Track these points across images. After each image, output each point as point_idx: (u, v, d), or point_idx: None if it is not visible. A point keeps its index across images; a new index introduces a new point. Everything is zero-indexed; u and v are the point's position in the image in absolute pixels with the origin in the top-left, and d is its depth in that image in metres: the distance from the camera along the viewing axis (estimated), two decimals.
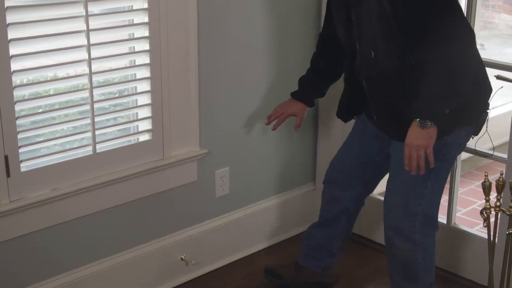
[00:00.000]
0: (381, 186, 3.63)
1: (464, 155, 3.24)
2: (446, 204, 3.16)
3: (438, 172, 2.55)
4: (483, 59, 2.82)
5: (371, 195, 3.33)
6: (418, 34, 2.37)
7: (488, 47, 7.69)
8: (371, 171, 2.90)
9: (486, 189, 2.47)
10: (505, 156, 2.90)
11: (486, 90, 2.58)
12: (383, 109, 2.65)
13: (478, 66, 2.50)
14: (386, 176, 2.79)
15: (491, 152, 3.06)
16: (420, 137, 2.38)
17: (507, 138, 2.89)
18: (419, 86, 2.38)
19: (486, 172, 2.49)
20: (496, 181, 2.46)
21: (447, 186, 3.03)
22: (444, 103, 2.37)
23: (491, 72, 2.81)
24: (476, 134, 2.66)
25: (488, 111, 2.63)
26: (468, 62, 2.41)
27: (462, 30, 2.38)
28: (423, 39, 2.36)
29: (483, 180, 2.49)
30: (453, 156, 2.62)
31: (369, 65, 2.56)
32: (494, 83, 2.69)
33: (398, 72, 2.48)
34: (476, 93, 2.51)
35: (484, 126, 2.69)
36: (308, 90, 2.99)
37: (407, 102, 2.45)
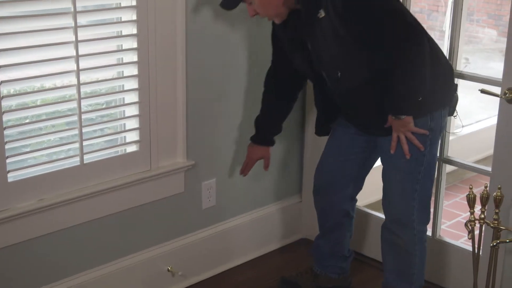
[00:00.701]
0: (369, 198, 3.66)
1: (449, 168, 3.26)
2: (432, 216, 3.18)
3: (429, 156, 2.69)
4: (468, 73, 2.87)
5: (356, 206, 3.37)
6: (376, 45, 2.49)
7: (473, 61, 7.76)
8: (357, 168, 2.96)
9: (471, 201, 2.49)
10: (489, 169, 2.92)
11: (449, 68, 2.74)
12: (362, 116, 2.76)
13: (436, 53, 2.63)
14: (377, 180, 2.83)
15: (473, 165, 3.06)
16: (400, 125, 2.59)
17: (491, 152, 2.91)
18: (388, 86, 2.53)
19: (470, 185, 2.52)
20: (480, 194, 2.49)
21: (432, 198, 3.07)
22: (414, 96, 2.54)
23: (475, 86, 2.85)
24: (452, 114, 2.79)
25: (457, 93, 2.80)
26: (425, 53, 2.51)
27: (412, 28, 2.50)
28: (382, 48, 2.48)
29: (467, 193, 2.51)
30: (438, 139, 2.76)
31: (338, 84, 2.67)
32: (479, 97, 2.74)
33: (367, 83, 2.60)
34: (442, 73, 2.66)
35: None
36: (266, 132, 3.08)
37: (382, 105, 2.59)
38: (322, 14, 2.52)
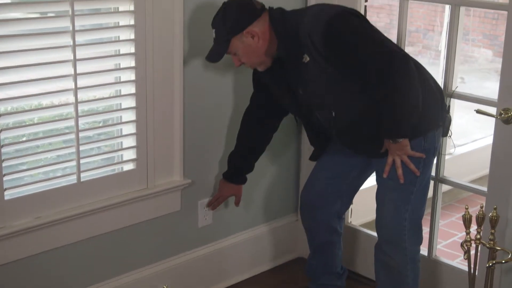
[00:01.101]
0: (364, 217, 3.66)
1: (445, 187, 3.27)
2: (427, 236, 3.19)
3: (421, 178, 2.71)
4: (463, 94, 2.88)
5: (346, 224, 3.37)
6: (364, 78, 2.53)
7: (468, 80, 7.79)
8: (346, 186, 2.97)
9: (467, 222, 2.49)
10: (485, 189, 2.93)
11: (438, 89, 2.76)
12: (358, 144, 2.77)
13: (423, 75, 2.68)
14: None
15: (469, 185, 3.14)
16: (396, 149, 2.61)
17: (487, 171, 2.92)
18: (382, 112, 2.56)
19: (466, 205, 2.52)
20: (476, 214, 2.49)
21: (427, 218, 3.08)
22: (407, 120, 2.56)
23: (471, 106, 2.87)
24: (446, 135, 2.83)
25: (449, 114, 2.84)
26: (413, 74, 2.55)
27: (395, 54, 2.54)
28: (370, 80, 2.51)
29: (463, 213, 2.52)
30: (431, 161, 2.78)
31: (333, 122, 2.70)
32: (475, 116, 2.76)
33: (361, 114, 2.63)
34: (432, 94, 2.68)
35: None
36: (239, 170, 3.10)
37: (378, 132, 2.62)
38: (306, 58, 2.58)
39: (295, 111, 2.90)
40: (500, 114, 2.73)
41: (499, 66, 2.80)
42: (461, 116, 5.24)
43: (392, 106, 2.53)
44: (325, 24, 2.51)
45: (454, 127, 2.85)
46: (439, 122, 2.72)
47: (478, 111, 2.78)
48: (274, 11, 2.67)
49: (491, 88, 6.65)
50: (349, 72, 2.55)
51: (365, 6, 3.28)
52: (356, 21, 2.59)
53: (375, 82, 2.51)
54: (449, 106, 2.83)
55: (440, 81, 2.95)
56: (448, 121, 2.80)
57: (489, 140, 4.97)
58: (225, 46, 2.63)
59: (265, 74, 2.79)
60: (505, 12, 2.69)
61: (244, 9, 2.63)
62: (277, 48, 2.64)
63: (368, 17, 3.40)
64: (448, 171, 3.16)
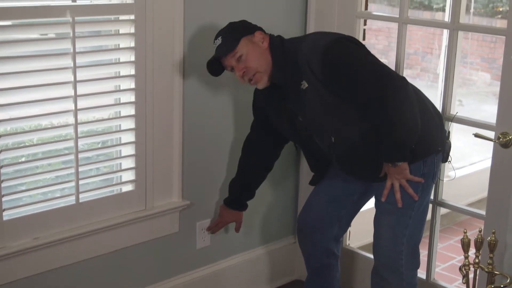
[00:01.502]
0: (362, 240, 3.65)
1: (443, 210, 3.27)
2: (426, 259, 3.18)
3: (420, 203, 2.71)
4: (461, 117, 2.89)
5: (345, 247, 3.38)
6: (363, 102, 2.55)
7: (466, 103, 7.82)
8: (345, 210, 2.97)
9: (465, 246, 2.49)
10: (483, 212, 2.93)
11: (437, 113, 2.78)
12: (358, 168, 2.77)
13: (422, 99, 2.70)
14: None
15: (467, 208, 3.13)
16: (396, 172, 2.62)
17: (485, 194, 2.92)
18: (382, 135, 2.57)
19: (465, 229, 2.52)
20: (474, 238, 2.49)
21: (426, 241, 3.08)
22: (406, 143, 2.56)
23: (470, 129, 2.87)
24: (445, 161, 2.82)
25: (449, 139, 2.84)
26: (412, 96, 2.57)
27: (393, 75, 2.57)
28: (370, 103, 2.53)
29: (462, 236, 2.51)
30: (430, 186, 2.78)
31: (333, 148, 2.71)
32: (473, 139, 2.76)
33: (361, 139, 2.64)
34: (431, 118, 2.70)
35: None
36: (240, 197, 3.10)
37: (377, 156, 2.62)
38: (305, 85, 2.59)
39: (294, 138, 2.91)
40: (498, 138, 2.73)
41: (497, 89, 2.80)
42: (459, 138, 5.24)
43: (392, 129, 2.54)
44: (323, 51, 2.53)
45: (452, 150, 2.85)
46: (439, 147, 2.72)
47: (476, 135, 2.79)
48: (274, 37, 2.69)
49: (489, 111, 6.68)
50: (348, 98, 2.56)
51: (364, 30, 3.30)
52: (354, 47, 2.62)
53: (374, 106, 2.52)
54: (449, 131, 2.84)
55: (438, 104, 2.96)
56: (448, 146, 2.80)
57: (488, 163, 4.98)
58: (234, 45, 2.60)
59: (264, 101, 2.81)
60: (503, 36, 2.71)
61: (250, 23, 2.70)
62: (273, 74, 2.65)
63: (366, 40, 3.43)
64: (447, 194, 3.16)
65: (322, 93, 2.57)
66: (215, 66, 2.69)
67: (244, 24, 2.69)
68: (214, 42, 2.66)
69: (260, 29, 2.70)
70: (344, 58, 2.55)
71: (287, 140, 3.01)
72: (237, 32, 2.64)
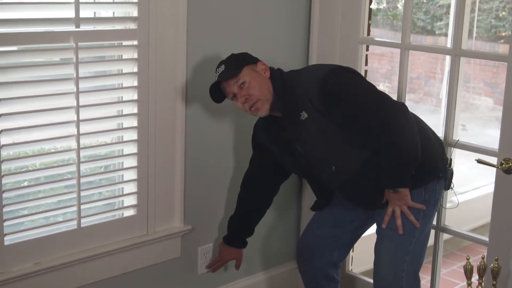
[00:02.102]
0: (364, 265, 3.63)
1: (446, 235, 3.26)
2: (429, 285, 3.16)
3: (421, 229, 2.70)
4: (463, 142, 2.88)
5: (346, 272, 3.36)
6: (363, 131, 2.56)
7: (470, 128, 7.82)
8: (345, 236, 2.96)
9: (468, 272, 2.47)
10: (486, 239, 2.91)
11: (438, 140, 2.79)
12: (360, 196, 2.78)
13: (422, 126, 2.71)
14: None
15: (470, 234, 3.12)
16: (397, 199, 2.62)
17: (488, 219, 2.91)
18: (381, 163, 2.58)
19: (467, 256, 2.50)
20: (477, 265, 2.48)
21: (429, 266, 3.06)
22: (407, 169, 2.58)
23: (472, 154, 2.87)
24: (448, 188, 2.81)
25: (451, 167, 2.83)
26: (412, 123, 2.58)
27: (396, 105, 2.58)
28: (370, 132, 2.54)
29: (465, 263, 2.50)
30: (432, 212, 2.77)
31: (334, 177, 2.71)
32: (476, 164, 2.76)
33: (361, 167, 2.64)
34: (432, 146, 2.70)
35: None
36: (240, 234, 3.08)
37: (378, 183, 2.63)
38: (304, 115, 2.60)
39: (295, 169, 2.90)
40: (501, 164, 2.73)
41: (500, 114, 2.80)
42: (463, 163, 5.24)
43: (392, 155, 2.55)
44: (321, 81, 2.56)
45: (456, 174, 2.84)
46: (440, 173, 2.73)
47: (479, 161, 2.78)
48: (274, 70, 2.72)
49: (492, 136, 6.69)
50: (348, 126, 2.57)
51: (366, 55, 3.31)
52: (352, 76, 2.65)
53: (374, 132, 2.53)
54: (451, 159, 2.83)
55: (441, 129, 2.96)
56: (450, 174, 2.79)
57: (491, 187, 4.98)
58: (236, 72, 2.61)
59: (265, 133, 2.82)
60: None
61: (251, 55, 2.72)
62: (273, 104, 2.65)
63: (369, 64, 3.45)
64: (450, 219, 3.15)
65: (322, 123, 2.58)
66: (217, 94, 2.69)
67: (247, 55, 2.72)
68: (216, 70, 2.66)
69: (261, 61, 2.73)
70: (342, 87, 2.57)
71: (286, 176, 3.00)
72: (240, 60, 2.66)
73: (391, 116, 2.52)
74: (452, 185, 2.81)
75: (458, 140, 2.93)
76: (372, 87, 2.65)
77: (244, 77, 2.61)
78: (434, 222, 3.02)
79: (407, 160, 2.56)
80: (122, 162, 2.87)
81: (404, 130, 2.54)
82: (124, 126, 2.83)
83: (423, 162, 2.60)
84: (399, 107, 2.58)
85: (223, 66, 2.64)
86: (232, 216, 3.06)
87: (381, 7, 9.20)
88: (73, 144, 2.65)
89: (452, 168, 2.82)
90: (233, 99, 2.67)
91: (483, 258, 2.48)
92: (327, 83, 2.55)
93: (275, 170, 2.93)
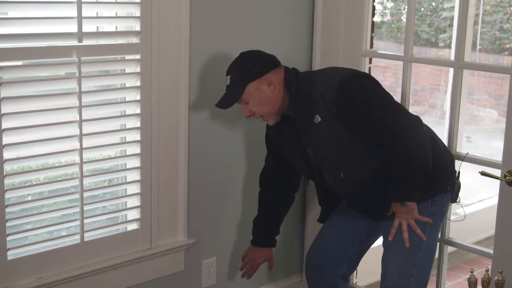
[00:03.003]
0: (370, 278, 3.62)
1: (451, 248, 3.25)
2: None
3: (428, 242, 2.68)
4: (469, 155, 2.87)
5: (352, 286, 3.35)
6: (376, 140, 2.53)
7: (474, 140, 7.80)
8: (353, 249, 2.94)
9: (472, 285, 2.46)
10: (490, 251, 2.90)
11: (449, 155, 2.76)
12: (367, 205, 2.76)
13: (434, 139, 2.68)
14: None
15: (474, 247, 3.10)
16: (404, 212, 2.61)
17: (493, 232, 2.89)
18: (390, 175, 2.56)
19: (471, 268, 2.49)
20: (481, 278, 2.46)
21: (433, 279, 3.04)
22: (417, 183, 2.56)
23: (477, 167, 2.86)
24: (454, 201, 2.79)
25: (459, 180, 2.81)
26: (426, 137, 2.56)
27: (412, 117, 2.57)
28: (382, 141, 2.52)
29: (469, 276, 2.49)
30: (439, 225, 2.75)
31: (342, 183, 2.70)
32: (481, 176, 2.75)
33: (370, 175, 2.62)
34: (441, 159, 2.67)
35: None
36: (268, 235, 3.06)
37: (386, 193, 2.61)
38: (318, 119, 2.57)
39: (305, 171, 2.88)
40: (505, 176, 2.72)
41: (504, 126, 2.79)
42: (468, 175, 5.22)
43: (403, 168, 2.53)
44: (338, 85, 2.52)
45: (461, 186, 2.83)
46: (448, 187, 2.71)
47: (483, 173, 2.77)
48: (289, 69, 2.69)
49: (497, 148, 6.65)
50: (361, 134, 2.55)
51: (369, 68, 3.32)
52: (369, 84, 2.61)
53: (387, 144, 2.51)
54: (459, 172, 2.80)
55: (445, 141, 2.96)
56: (458, 187, 2.77)
57: (496, 200, 4.96)
58: (240, 91, 2.59)
59: (277, 134, 2.80)
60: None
61: (262, 57, 2.67)
62: (288, 105, 2.64)
63: (373, 77, 3.44)
64: (455, 231, 3.13)
65: (335, 128, 2.55)
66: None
67: (255, 64, 2.64)
68: (226, 77, 2.65)
69: (274, 58, 2.68)
70: (359, 94, 2.54)
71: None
72: (245, 76, 2.61)
73: (405, 129, 2.50)
74: (458, 199, 2.79)
75: (467, 153, 2.91)
76: (389, 97, 2.61)
77: (247, 97, 2.61)
78: (439, 235, 3.01)
79: (417, 175, 2.55)
80: (126, 176, 2.87)
81: (416, 145, 2.52)
82: (127, 140, 2.83)
83: (432, 175, 2.58)
84: (414, 120, 2.56)
85: (229, 79, 2.62)
86: (258, 217, 3.03)
87: (385, 19, 9.22)
88: (76, 158, 2.66)
89: (459, 181, 2.80)
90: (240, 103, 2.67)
91: (487, 271, 2.47)
92: (344, 88, 2.52)
93: (290, 167, 2.91)
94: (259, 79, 2.61)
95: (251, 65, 2.64)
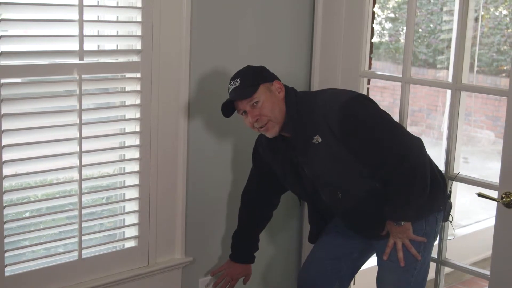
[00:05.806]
0: None
1: (448, 269, 3.25)
2: None
3: (422, 261, 2.70)
4: (464, 176, 2.89)
5: None
6: (377, 163, 2.54)
7: (472, 161, 7.82)
8: (345, 268, 2.95)
9: None
10: (487, 273, 2.90)
11: (441, 176, 2.77)
12: (361, 224, 2.78)
13: (429, 160, 2.69)
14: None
15: (471, 268, 3.10)
16: (399, 232, 2.63)
17: (490, 253, 2.90)
18: (388, 195, 2.58)
19: None
20: None
21: None
22: (414, 204, 2.58)
23: (474, 188, 2.87)
24: (446, 220, 2.84)
25: (450, 199, 2.84)
26: (426, 163, 2.59)
27: (415, 140, 2.59)
28: (384, 164, 2.53)
29: None
30: (432, 244, 2.77)
31: (339, 203, 2.71)
32: (478, 198, 2.77)
33: (368, 196, 2.64)
34: (435, 179, 2.69)
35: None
36: (246, 250, 3.08)
37: (381, 213, 2.62)
38: (318, 139, 2.57)
39: (298, 191, 2.87)
40: (502, 198, 2.73)
41: (501, 147, 2.81)
42: (464, 196, 5.24)
43: (403, 190, 2.56)
44: (342, 106, 2.52)
45: (458, 207, 2.86)
46: (440, 206, 2.74)
47: (480, 195, 2.79)
48: (289, 87, 2.68)
49: (494, 169, 6.68)
50: (362, 156, 2.55)
51: (368, 88, 3.34)
52: (373, 106, 2.62)
53: (389, 166, 2.52)
54: (450, 191, 2.84)
55: (442, 162, 2.97)
56: (449, 206, 2.81)
57: (493, 221, 4.97)
58: (252, 90, 2.55)
59: (270, 152, 2.79)
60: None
61: (268, 70, 2.68)
62: (285, 123, 2.62)
63: (371, 97, 3.46)
64: (452, 252, 3.14)
65: (336, 149, 2.55)
66: (229, 108, 2.63)
67: (264, 70, 2.66)
68: (230, 82, 2.61)
69: (277, 78, 2.68)
70: (363, 117, 2.54)
71: (285, 189, 2.96)
72: (256, 77, 2.60)
73: (411, 151, 2.53)
74: (451, 218, 2.82)
75: (458, 173, 2.94)
76: (391, 118, 2.63)
77: (259, 96, 2.56)
78: (435, 255, 3.02)
79: (416, 196, 2.57)
80: (124, 194, 2.88)
81: (420, 166, 2.54)
82: (126, 157, 2.84)
83: (428, 195, 2.61)
84: (416, 143, 2.58)
85: (238, 80, 2.58)
86: (236, 232, 3.05)
87: (383, 40, 9.27)
88: (75, 175, 2.66)
89: (450, 201, 2.82)
90: (243, 114, 2.62)
91: None
92: (349, 110, 2.52)
93: (275, 186, 2.91)
94: (270, 82, 2.61)
95: (261, 70, 2.66)
